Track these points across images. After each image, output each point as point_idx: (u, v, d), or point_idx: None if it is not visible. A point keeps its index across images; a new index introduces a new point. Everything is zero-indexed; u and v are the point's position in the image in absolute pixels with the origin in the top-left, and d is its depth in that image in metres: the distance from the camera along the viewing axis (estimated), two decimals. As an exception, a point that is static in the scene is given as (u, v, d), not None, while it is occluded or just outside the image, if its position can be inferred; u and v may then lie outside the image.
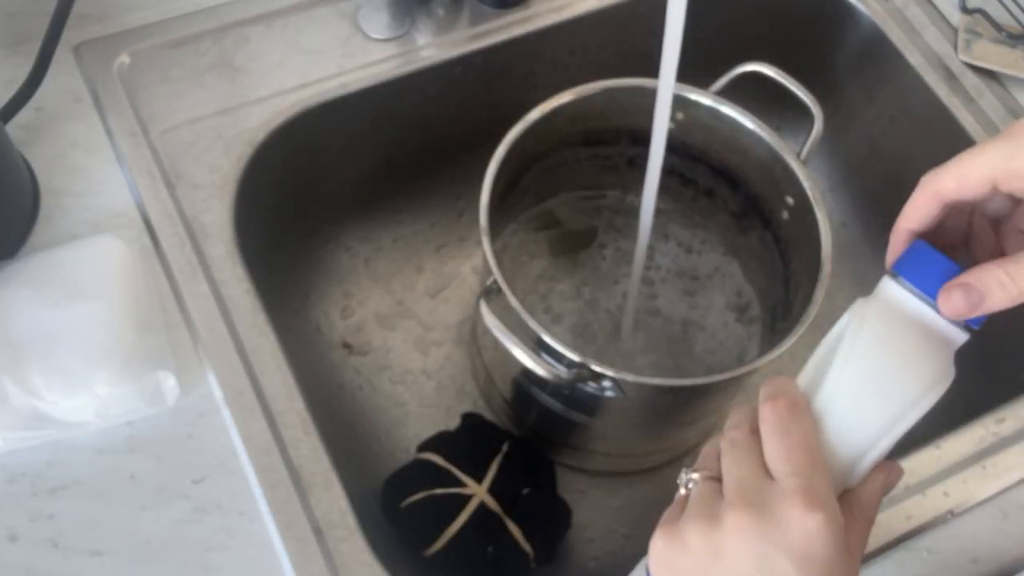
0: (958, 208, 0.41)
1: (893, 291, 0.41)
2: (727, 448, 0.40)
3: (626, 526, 0.74)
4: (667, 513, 0.41)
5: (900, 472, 0.42)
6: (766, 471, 0.38)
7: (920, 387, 0.40)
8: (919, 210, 0.40)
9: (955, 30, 0.78)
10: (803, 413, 0.39)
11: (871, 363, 0.40)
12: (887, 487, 0.41)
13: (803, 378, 0.43)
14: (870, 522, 0.39)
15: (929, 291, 0.40)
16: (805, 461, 0.37)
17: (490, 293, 0.57)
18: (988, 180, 0.38)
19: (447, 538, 0.65)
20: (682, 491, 0.41)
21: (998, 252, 0.42)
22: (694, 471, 0.41)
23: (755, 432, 0.40)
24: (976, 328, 0.40)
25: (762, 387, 0.41)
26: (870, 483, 0.40)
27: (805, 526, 0.35)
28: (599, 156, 0.73)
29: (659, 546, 0.39)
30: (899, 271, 0.41)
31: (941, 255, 0.40)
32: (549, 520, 0.69)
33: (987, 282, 0.37)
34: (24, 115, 0.64)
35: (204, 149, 0.66)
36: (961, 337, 0.41)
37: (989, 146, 0.38)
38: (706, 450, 0.42)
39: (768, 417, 0.39)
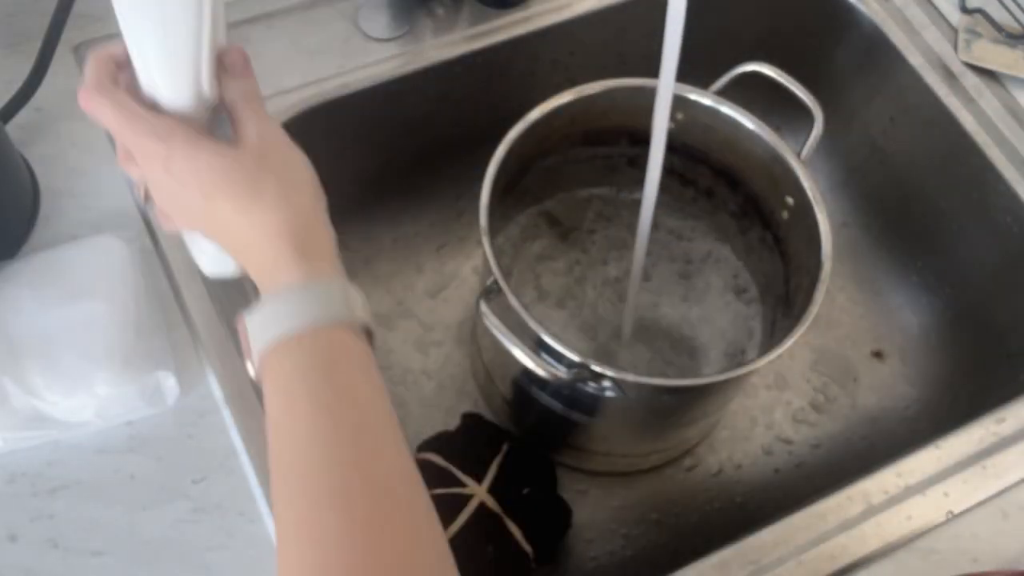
0: None
1: None
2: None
3: (626, 526, 0.74)
4: None
5: (239, 50, 0.45)
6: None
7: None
8: None
9: (955, 30, 0.78)
10: (121, 98, 0.42)
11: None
12: (239, 59, 0.45)
13: None
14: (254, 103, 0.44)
15: None
16: (134, 137, 0.42)
17: (490, 293, 0.57)
18: None
19: (447, 538, 0.65)
20: None
21: None
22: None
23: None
24: None
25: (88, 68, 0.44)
26: (229, 67, 0.44)
27: (155, 155, 0.42)
28: (599, 156, 0.73)
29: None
30: None
31: None
32: (549, 520, 0.69)
33: None
34: (24, 115, 0.64)
35: (204, 149, 0.66)
36: None
37: None
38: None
39: (105, 118, 0.43)
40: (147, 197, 0.46)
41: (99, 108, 0.42)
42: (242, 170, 0.42)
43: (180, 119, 0.43)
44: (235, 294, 0.61)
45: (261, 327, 0.41)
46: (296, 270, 0.41)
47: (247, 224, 0.42)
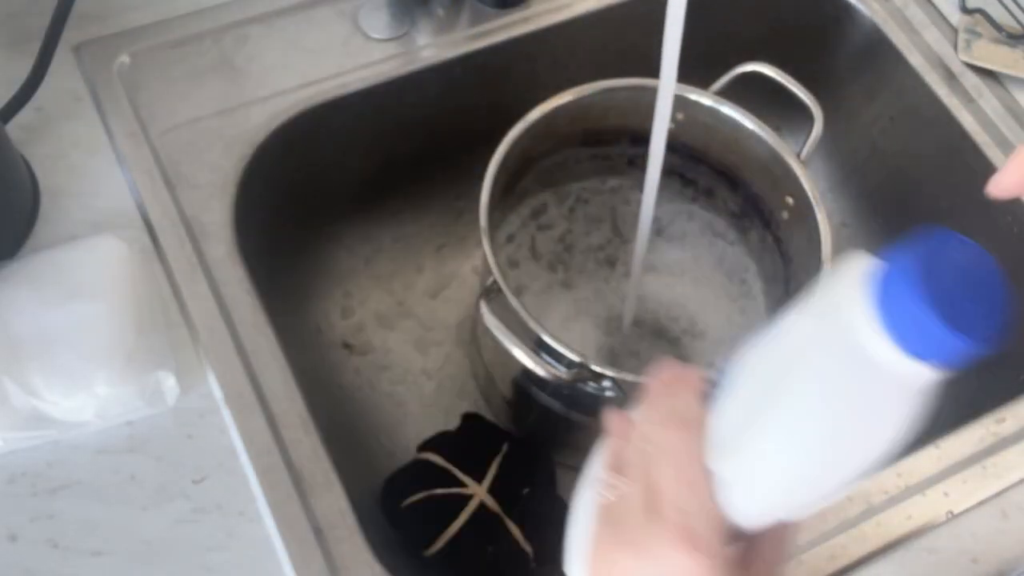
0: None
1: (859, 305, 0.29)
2: (636, 460, 0.37)
3: (626, 526, 0.74)
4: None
5: (797, 529, 0.37)
6: (655, 497, 0.35)
7: (871, 452, 0.31)
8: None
9: (955, 30, 0.78)
10: (697, 444, 0.35)
11: (821, 421, 0.31)
12: (789, 546, 0.37)
13: (731, 380, 0.35)
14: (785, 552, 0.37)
15: (930, 351, 0.28)
16: (690, 500, 0.34)
17: (490, 293, 0.57)
18: None
19: (447, 538, 0.65)
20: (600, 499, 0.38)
21: None
22: (602, 479, 0.38)
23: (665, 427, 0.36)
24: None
25: (667, 394, 0.37)
26: (772, 537, 0.36)
27: (684, 570, 0.33)
28: (599, 156, 0.73)
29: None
30: (882, 305, 0.28)
31: (938, 316, 0.27)
32: (549, 520, 0.69)
33: None
34: (24, 115, 0.64)
35: (204, 149, 0.66)
36: (933, 378, 0.30)
37: None
38: (616, 448, 0.39)
39: (660, 442, 0.36)
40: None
41: (667, 427, 0.35)
42: None
43: (729, 532, 0.34)
44: (235, 294, 0.61)
45: None
46: None
47: None
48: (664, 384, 0.38)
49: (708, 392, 0.36)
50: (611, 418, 0.39)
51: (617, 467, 0.37)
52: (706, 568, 0.33)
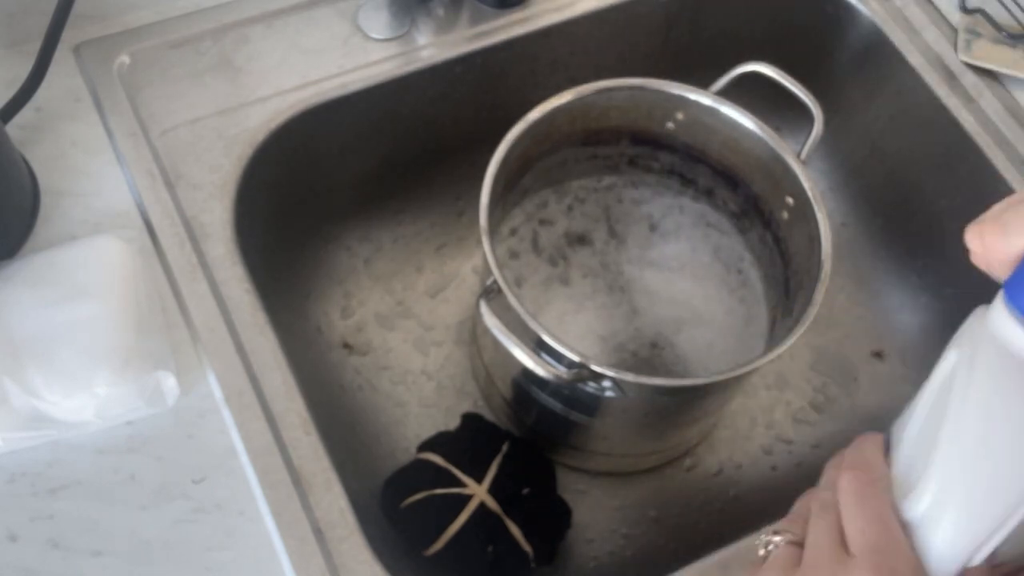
0: None
1: (1003, 321, 0.32)
2: (816, 511, 0.37)
3: (626, 526, 0.74)
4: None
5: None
6: (845, 543, 0.35)
7: None
8: None
9: (955, 30, 0.78)
10: (882, 485, 0.36)
11: (984, 451, 0.32)
12: None
13: (897, 432, 0.38)
14: None
15: None
16: (881, 536, 0.34)
17: (490, 293, 0.57)
18: None
19: (447, 538, 0.65)
20: (760, 552, 0.39)
21: None
22: (776, 533, 0.39)
23: None
24: None
25: (849, 448, 0.39)
26: None
27: None
28: (599, 156, 0.73)
29: None
30: (1012, 299, 0.32)
31: None
32: (549, 520, 0.69)
33: None
34: (24, 115, 0.64)
35: (204, 149, 0.66)
36: None
37: None
38: (797, 507, 0.40)
39: (846, 487, 0.37)
40: None
41: (872, 496, 0.35)
42: None
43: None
44: (235, 294, 0.61)
45: None
46: None
47: None
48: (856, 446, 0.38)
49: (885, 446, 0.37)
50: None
51: (792, 518, 0.38)
52: None
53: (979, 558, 0.33)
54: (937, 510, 0.33)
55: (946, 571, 0.33)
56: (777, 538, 0.39)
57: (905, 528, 0.34)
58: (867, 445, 0.38)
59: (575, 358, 0.55)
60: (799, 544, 0.37)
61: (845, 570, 0.34)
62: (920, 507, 0.34)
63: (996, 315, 0.33)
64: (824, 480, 0.40)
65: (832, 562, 0.35)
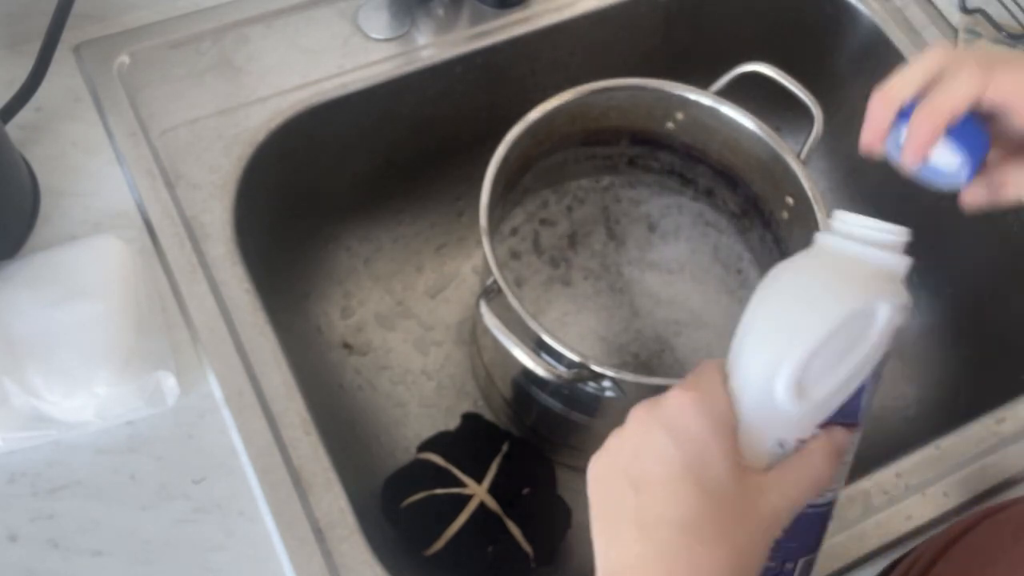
0: None
1: (824, 241, 0.42)
2: None
3: (626, 526, 0.74)
4: None
5: (843, 433, 0.41)
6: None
7: (831, 311, 0.38)
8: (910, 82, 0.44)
9: (955, 30, 0.78)
10: (716, 369, 0.41)
11: (785, 301, 0.40)
12: (832, 444, 0.40)
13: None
14: (812, 470, 0.39)
15: (972, 154, 0.42)
16: (700, 370, 0.41)
17: (490, 293, 0.57)
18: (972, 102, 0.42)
19: (447, 538, 0.65)
20: None
21: None
22: None
23: None
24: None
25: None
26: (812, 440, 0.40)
27: (680, 402, 0.39)
28: (599, 156, 0.73)
29: (591, 465, 0.42)
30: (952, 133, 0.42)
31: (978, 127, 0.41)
32: (549, 520, 0.69)
33: (1009, 180, 0.44)
34: (24, 115, 0.64)
35: (204, 149, 0.66)
36: (903, 264, 0.41)
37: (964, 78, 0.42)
38: None
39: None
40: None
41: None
42: (735, 507, 0.38)
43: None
44: (235, 294, 0.61)
45: None
46: None
47: (685, 547, 0.37)
48: None
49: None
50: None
51: None
52: (698, 403, 0.38)
53: (780, 387, 0.38)
54: (742, 351, 0.40)
55: (751, 399, 0.39)
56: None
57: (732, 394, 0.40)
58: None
59: (575, 358, 0.55)
60: None
61: (673, 393, 0.40)
62: (731, 359, 0.40)
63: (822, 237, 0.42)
64: None
65: (659, 396, 0.40)
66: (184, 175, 0.65)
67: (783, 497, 0.38)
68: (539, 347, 0.57)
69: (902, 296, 0.40)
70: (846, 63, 0.83)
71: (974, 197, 0.45)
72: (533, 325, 0.56)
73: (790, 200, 0.65)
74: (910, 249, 0.43)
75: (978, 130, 0.42)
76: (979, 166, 0.43)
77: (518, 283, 0.75)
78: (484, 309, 0.56)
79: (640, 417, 0.40)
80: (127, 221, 0.63)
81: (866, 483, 0.59)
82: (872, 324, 0.38)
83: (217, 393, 0.57)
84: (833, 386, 0.39)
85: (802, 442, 0.39)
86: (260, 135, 0.67)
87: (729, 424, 0.39)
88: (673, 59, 0.83)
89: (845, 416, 0.40)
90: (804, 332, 0.38)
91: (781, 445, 0.39)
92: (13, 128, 0.63)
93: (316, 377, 0.74)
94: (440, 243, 0.85)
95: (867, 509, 0.58)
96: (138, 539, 0.53)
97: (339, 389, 0.78)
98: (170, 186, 0.64)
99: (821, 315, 0.38)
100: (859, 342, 0.38)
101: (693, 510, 0.37)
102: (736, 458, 0.38)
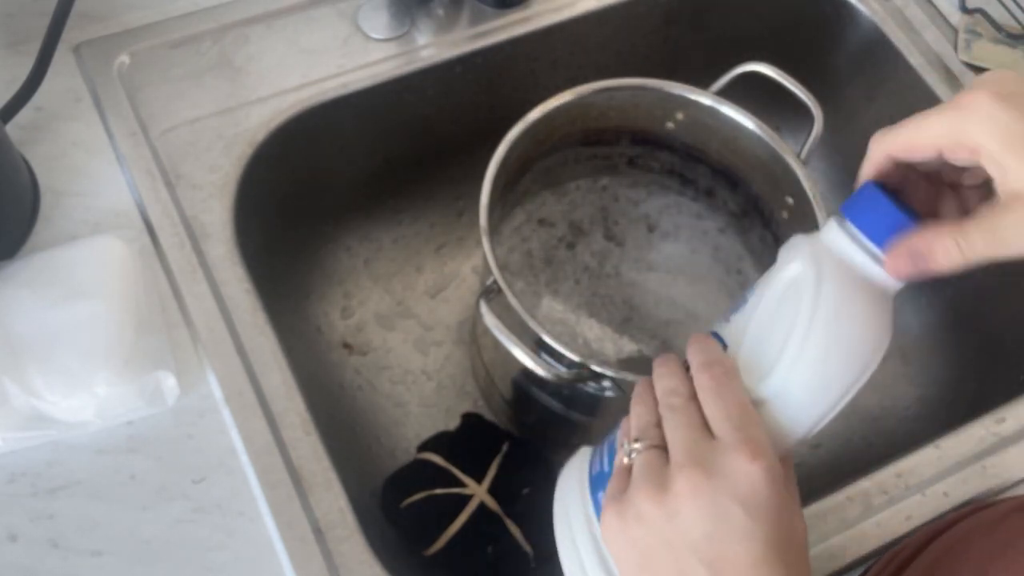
0: (913, 167, 0.43)
1: (841, 241, 0.42)
2: (668, 414, 0.41)
3: (626, 526, 0.74)
4: (611, 487, 0.41)
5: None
6: (708, 432, 0.39)
7: (870, 355, 0.41)
8: (874, 167, 0.43)
9: (955, 30, 0.78)
10: (736, 376, 0.41)
11: (831, 340, 0.40)
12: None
13: (733, 328, 0.44)
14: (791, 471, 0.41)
15: (877, 239, 0.40)
16: (743, 417, 0.39)
17: (490, 293, 0.57)
18: (935, 148, 0.40)
19: (447, 538, 0.65)
20: (624, 461, 0.41)
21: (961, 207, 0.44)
22: (636, 440, 0.41)
23: (692, 398, 0.41)
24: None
25: (690, 350, 0.43)
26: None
27: (751, 475, 0.37)
28: (599, 156, 0.73)
29: (612, 521, 0.39)
30: (848, 216, 0.42)
31: (890, 203, 0.40)
32: (549, 520, 0.69)
33: (935, 248, 0.39)
34: (24, 115, 0.64)
35: (204, 149, 0.66)
36: (896, 286, 0.41)
37: (935, 116, 0.40)
38: (638, 421, 0.42)
39: (706, 384, 0.40)
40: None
41: (728, 386, 0.40)
42: (796, 557, 0.37)
43: None
44: (235, 294, 0.61)
45: None
46: None
47: None
48: (665, 362, 0.43)
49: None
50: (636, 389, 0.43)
51: (640, 430, 0.41)
52: (770, 472, 0.37)
53: (812, 433, 0.41)
54: (786, 392, 0.40)
55: (786, 442, 0.40)
56: (638, 444, 0.41)
57: (756, 407, 0.40)
58: (708, 344, 0.42)
59: (575, 358, 0.55)
60: (660, 447, 0.40)
61: (716, 451, 0.38)
62: (771, 389, 0.40)
63: (834, 235, 0.42)
64: (665, 388, 0.42)
65: (703, 449, 0.38)
66: (184, 175, 0.65)
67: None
68: (539, 347, 0.57)
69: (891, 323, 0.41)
70: (846, 63, 0.83)
71: (896, 266, 0.41)
72: (533, 325, 0.56)
73: (790, 200, 0.65)
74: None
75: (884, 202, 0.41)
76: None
77: (517, 280, 0.75)
78: (484, 309, 0.56)
79: (701, 489, 0.37)
80: (127, 221, 0.63)
81: (866, 483, 0.59)
82: (879, 360, 0.41)
83: (217, 393, 0.57)
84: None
85: None
86: (260, 135, 0.67)
87: (790, 481, 0.39)
88: (673, 59, 0.83)
89: None
90: (847, 378, 0.41)
91: None
92: (13, 128, 0.63)
93: (316, 377, 0.74)
94: (440, 243, 0.85)
95: (867, 509, 0.58)
96: (138, 539, 0.53)
97: (339, 389, 0.78)
98: (170, 186, 0.64)
99: (862, 363, 0.40)
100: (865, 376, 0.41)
101: None
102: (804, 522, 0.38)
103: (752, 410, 0.39)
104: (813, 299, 0.40)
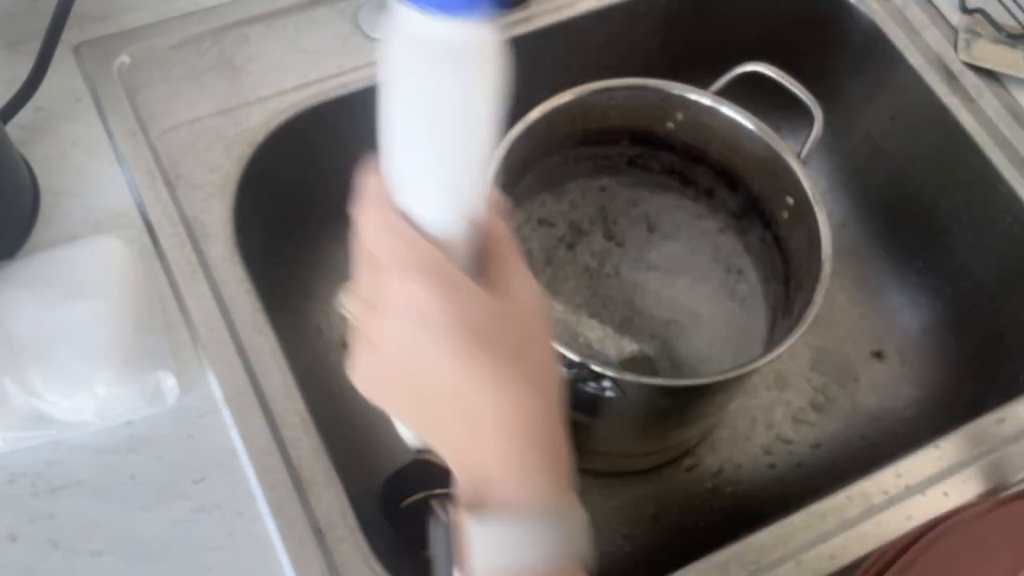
0: None
1: (404, 22, 0.37)
2: (360, 265, 0.39)
3: (626, 526, 0.74)
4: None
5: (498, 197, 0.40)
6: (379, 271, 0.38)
7: (473, 108, 0.38)
8: None
9: (955, 30, 0.78)
10: (387, 206, 0.38)
11: (420, 119, 0.38)
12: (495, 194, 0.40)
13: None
14: (514, 246, 0.39)
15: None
16: (391, 240, 0.37)
17: (490, 293, 0.57)
18: None
19: (447, 538, 0.65)
20: (348, 319, 0.41)
21: None
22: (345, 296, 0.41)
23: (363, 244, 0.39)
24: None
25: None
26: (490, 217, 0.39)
27: (405, 291, 0.35)
28: (599, 156, 0.73)
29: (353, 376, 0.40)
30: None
31: None
32: (549, 520, 0.69)
33: None
34: (24, 115, 0.64)
35: (204, 149, 0.66)
36: (472, 30, 0.37)
37: None
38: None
39: (360, 222, 0.39)
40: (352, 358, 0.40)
41: (370, 225, 0.37)
42: (513, 330, 0.36)
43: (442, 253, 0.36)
44: (235, 294, 0.61)
45: (491, 547, 0.36)
46: (542, 487, 0.37)
47: (495, 403, 0.35)
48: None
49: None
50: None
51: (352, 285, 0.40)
52: (428, 283, 0.35)
53: (471, 205, 0.38)
54: (411, 189, 0.38)
55: (437, 226, 0.37)
56: (346, 300, 0.40)
57: (405, 218, 0.37)
58: (367, 178, 0.40)
59: (575, 358, 0.55)
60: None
61: (379, 287, 0.36)
62: (404, 190, 0.38)
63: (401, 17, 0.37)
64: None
65: (371, 289, 0.37)
66: (184, 175, 0.65)
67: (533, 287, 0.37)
68: (539, 347, 0.57)
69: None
70: (846, 63, 0.83)
71: None
72: (533, 325, 0.56)
73: (790, 200, 0.65)
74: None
75: None
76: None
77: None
78: (484, 309, 0.56)
79: (379, 327, 0.37)
80: (127, 221, 0.63)
81: (866, 483, 0.59)
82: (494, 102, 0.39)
83: (217, 393, 0.57)
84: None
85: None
86: (260, 135, 0.67)
87: (505, 259, 0.37)
88: (673, 59, 0.83)
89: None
90: (464, 143, 0.38)
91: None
92: (13, 128, 0.63)
93: (316, 377, 0.74)
94: (440, 243, 0.85)
95: (867, 509, 0.58)
96: (138, 539, 0.53)
97: (339, 389, 0.77)
98: (170, 186, 0.64)
99: (464, 121, 0.38)
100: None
101: (497, 356, 0.35)
102: (485, 295, 0.36)
103: (407, 232, 0.37)
104: (387, 90, 0.38)
